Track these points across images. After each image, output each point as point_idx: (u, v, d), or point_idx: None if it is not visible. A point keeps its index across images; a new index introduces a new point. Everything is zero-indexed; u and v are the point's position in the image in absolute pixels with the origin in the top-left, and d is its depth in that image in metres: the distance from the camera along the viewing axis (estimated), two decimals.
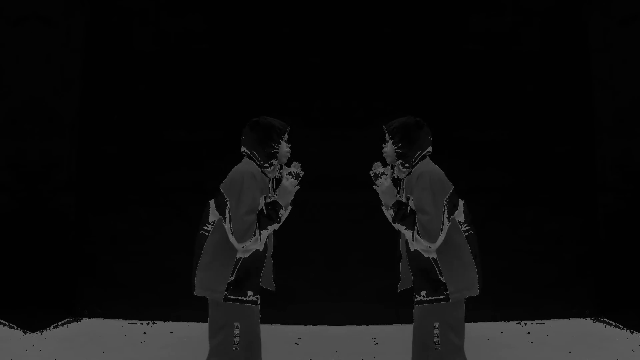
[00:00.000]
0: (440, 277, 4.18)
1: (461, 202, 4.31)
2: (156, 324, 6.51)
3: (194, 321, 6.51)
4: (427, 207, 4.13)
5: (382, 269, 6.27)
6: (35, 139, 6.52)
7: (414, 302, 4.30)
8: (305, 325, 6.25)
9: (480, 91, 6.65)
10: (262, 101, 6.55)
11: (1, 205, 6.53)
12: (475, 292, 4.27)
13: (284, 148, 4.31)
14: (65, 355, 5.56)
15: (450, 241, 4.23)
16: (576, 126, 6.69)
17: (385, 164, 4.38)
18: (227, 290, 4.18)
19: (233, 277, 4.17)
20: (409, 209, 4.17)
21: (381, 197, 4.25)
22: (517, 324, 6.50)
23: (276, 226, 4.21)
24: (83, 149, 6.65)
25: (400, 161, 4.25)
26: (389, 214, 4.22)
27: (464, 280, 4.23)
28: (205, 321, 6.48)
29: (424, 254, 4.22)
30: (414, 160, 4.26)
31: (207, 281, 4.22)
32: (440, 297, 4.18)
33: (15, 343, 5.89)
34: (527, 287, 6.62)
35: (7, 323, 6.42)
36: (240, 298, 4.19)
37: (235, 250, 4.20)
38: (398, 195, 4.28)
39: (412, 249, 4.21)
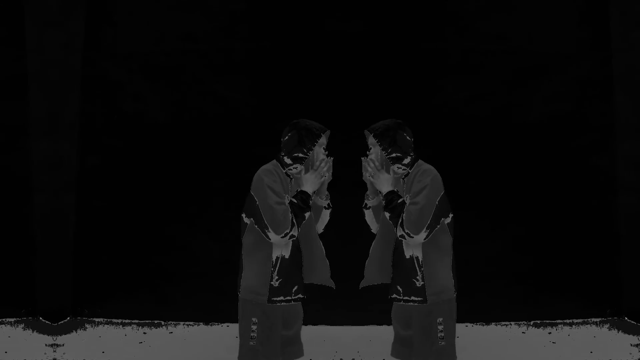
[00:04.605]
0: (420, 280, 4.22)
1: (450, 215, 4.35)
2: (156, 324, 6.49)
3: (194, 321, 6.50)
4: (419, 198, 4.18)
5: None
6: (35, 138, 6.51)
7: (389, 297, 4.36)
8: (306, 325, 6.23)
9: (496, 91, 6.58)
10: (263, 101, 6.54)
11: (1, 205, 6.52)
12: (451, 295, 4.32)
13: (320, 155, 4.37)
14: (65, 355, 5.54)
15: (437, 244, 4.26)
16: (597, 125, 6.61)
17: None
18: (270, 292, 4.24)
19: (277, 280, 4.25)
20: (400, 200, 4.20)
21: (379, 186, 4.29)
22: (538, 323, 6.45)
23: (309, 214, 4.28)
24: (83, 148, 6.62)
25: (396, 165, 4.28)
26: (382, 202, 4.27)
27: (444, 284, 4.27)
28: (205, 321, 6.53)
29: (406, 253, 4.24)
30: (410, 161, 4.31)
31: (248, 284, 4.30)
32: (418, 299, 4.23)
33: (15, 343, 5.87)
34: (548, 287, 6.57)
35: (6, 323, 6.41)
36: (286, 298, 4.28)
37: (270, 251, 4.24)
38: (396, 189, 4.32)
39: (397, 235, 4.25)
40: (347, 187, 5.96)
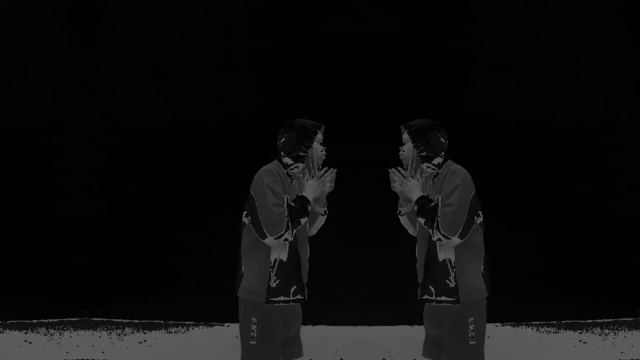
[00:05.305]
0: (452, 281, 4.25)
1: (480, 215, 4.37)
2: (156, 324, 6.49)
3: (194, 321, 6.51)
4: (452, 199, 4.23)
5: (393, 269, 6.28)
6: (36, 138, 6.54)
7: (419, 299, 4.41)
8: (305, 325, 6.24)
9: (524, 91, 6.54)
10: (263, 101, 6.55)
11: (2, 205, 6.54)
12: (484, 294, 4.37)
13: (318, 152, 4.42)
14: (65, 355, 5.56)
15: (470, 243, 4.30)
16: (626, 125, 6.58)
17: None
18: (268, 293, 4.26)
19: (275, 280, 4.25)
20: (432, 204, 4.23)
21: (408, 194, 4.33)
22: (569, 324, 6.44)
23: (305, 219, 4.30)
24: (83, 148, 6.63)
25: (425, 164, 4.30)
26: (414, 208, 4.31)
27: (475, 284, 4.30)
28: (205, 321, 6.55)
29: (439, 256, 4.26)
30: (441, 161, 4.35)
31: (247, 284, 4.32)
32: (450, 299, 4.26)
33: (14, 343, 5.89)
34: (578, 287, 6.56)
35: (6, 323, 6.42)
36: (285, 299, 4.31)
37: (268, 252, 4.24)
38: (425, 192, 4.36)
39: (434, 239, 4.27)
40: (348, 188, 5.99)
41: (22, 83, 6.55)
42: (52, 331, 6.20)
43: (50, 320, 6.49)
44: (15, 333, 6.18)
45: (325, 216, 4.56)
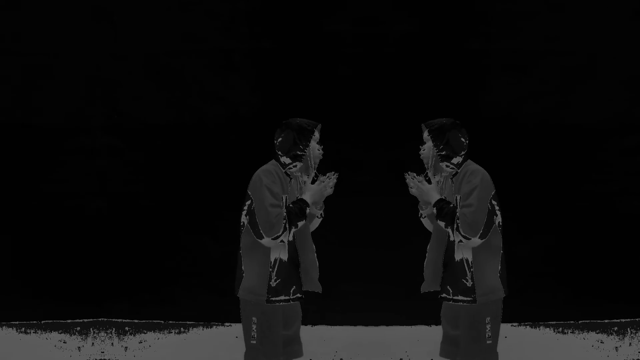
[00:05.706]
0: (469, 280, 4.26)
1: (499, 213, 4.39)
2: (156, 324, 6.49)
3: (194, 321, 6.51)
4: (472, 200, 4.24)
5: (393, 269, 6.28)
6: (35, 139, 6.53)
7: (439, 296, 4.45)
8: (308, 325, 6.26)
9: (543, 92, 6.52)
10: (263, 102, 6.56)
11: (2, 206, 6.54)
12: (501, 294, 4.39)
13: (315, 150, 4.42)
14: (64, 356, 5.56)
15: (488, 244, 4.33)
16: None
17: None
18: (268, 293, 4.27)
19: (275, 280, 4.27)
20: (450, 205, 4.24)
21: (426, 198, 4.34)
22: (587, 323, 6.43)
23: (303, 222, 4.32)
24: (83, 148, 6.63)
25: (445, 163, 4.31)
26: (433, 211, 4.33)
27: (492, 284, 4.31)
28: (205, 321, 6.55)
29: (456, 256, 4.27)
30: (461, 161, 4.36)
31: (247, 284, 4.34)
32: (467, 299, 4.28)
33: (13, 344, 5.88)
34: (595, 287, 6.55)
35: (5, 324, 6.43)
36: (285, 298, 4.32)
37: (268, 252, 4.26)
38: (443, 195, 4.37)
39: (455, 241, 4.28)
40: (348, 188, 5.99)
41: (22, 83, 6.55)
42: (54, 331, 6.22)
43: (48, 321, 6.48)
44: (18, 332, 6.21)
45: (321, 219, 4.58)
